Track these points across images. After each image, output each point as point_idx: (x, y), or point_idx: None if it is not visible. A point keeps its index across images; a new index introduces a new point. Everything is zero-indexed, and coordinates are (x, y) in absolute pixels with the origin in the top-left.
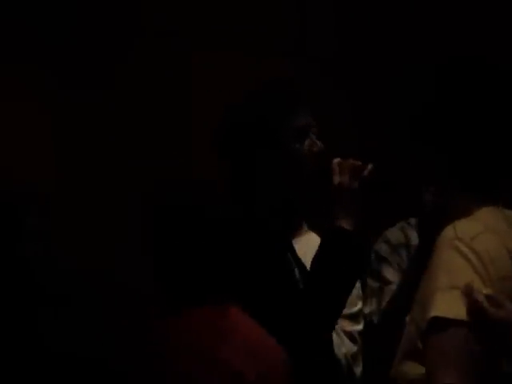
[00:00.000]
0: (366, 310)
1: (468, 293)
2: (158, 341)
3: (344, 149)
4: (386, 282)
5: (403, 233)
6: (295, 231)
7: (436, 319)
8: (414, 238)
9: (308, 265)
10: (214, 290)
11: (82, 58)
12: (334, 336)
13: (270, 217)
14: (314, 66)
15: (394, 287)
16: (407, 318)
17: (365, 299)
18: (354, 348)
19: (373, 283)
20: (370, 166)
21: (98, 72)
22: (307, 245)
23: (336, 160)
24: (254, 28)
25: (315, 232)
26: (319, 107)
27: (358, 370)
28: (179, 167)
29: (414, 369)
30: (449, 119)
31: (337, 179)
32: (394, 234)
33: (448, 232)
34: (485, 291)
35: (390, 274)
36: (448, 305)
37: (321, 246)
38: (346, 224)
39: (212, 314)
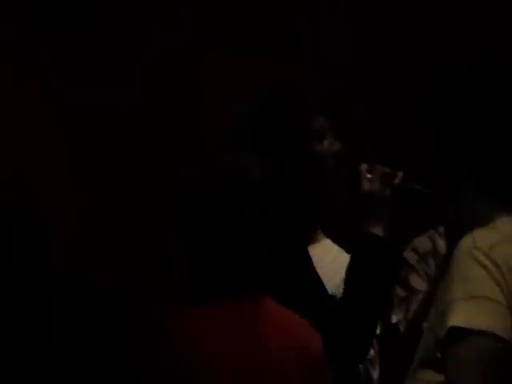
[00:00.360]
0: (394, 319)
1: None
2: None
3: (357, 154)
4: (413, 291)
5: (431, 241)
6: (311, 237)
7: (454, 329)
8: (442, 247)
9: (323, 271)
10: (245, 283)
11: (95, 60)
12: None
13: (295, 218)
14: (329, 72)
15: (420, 296)
16: (424, 326)
17: (392, 308)
18: (371, 352)
19: (400, 292)
20: (400, 173)
21: (110, 73)
22: (323, 251)
23: (364, 166)
24: (267, 32)
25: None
26: (332, 112)
27: (375, 373)
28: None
29: (431, 377)
30: (467, 126)
31: (367, 185)
32: (421, 242)
33: (466, 241)
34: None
35: (418, 282)
36: (466, 315)
37: (355, 253)
38: (377, 230)
39: (241, 305)
